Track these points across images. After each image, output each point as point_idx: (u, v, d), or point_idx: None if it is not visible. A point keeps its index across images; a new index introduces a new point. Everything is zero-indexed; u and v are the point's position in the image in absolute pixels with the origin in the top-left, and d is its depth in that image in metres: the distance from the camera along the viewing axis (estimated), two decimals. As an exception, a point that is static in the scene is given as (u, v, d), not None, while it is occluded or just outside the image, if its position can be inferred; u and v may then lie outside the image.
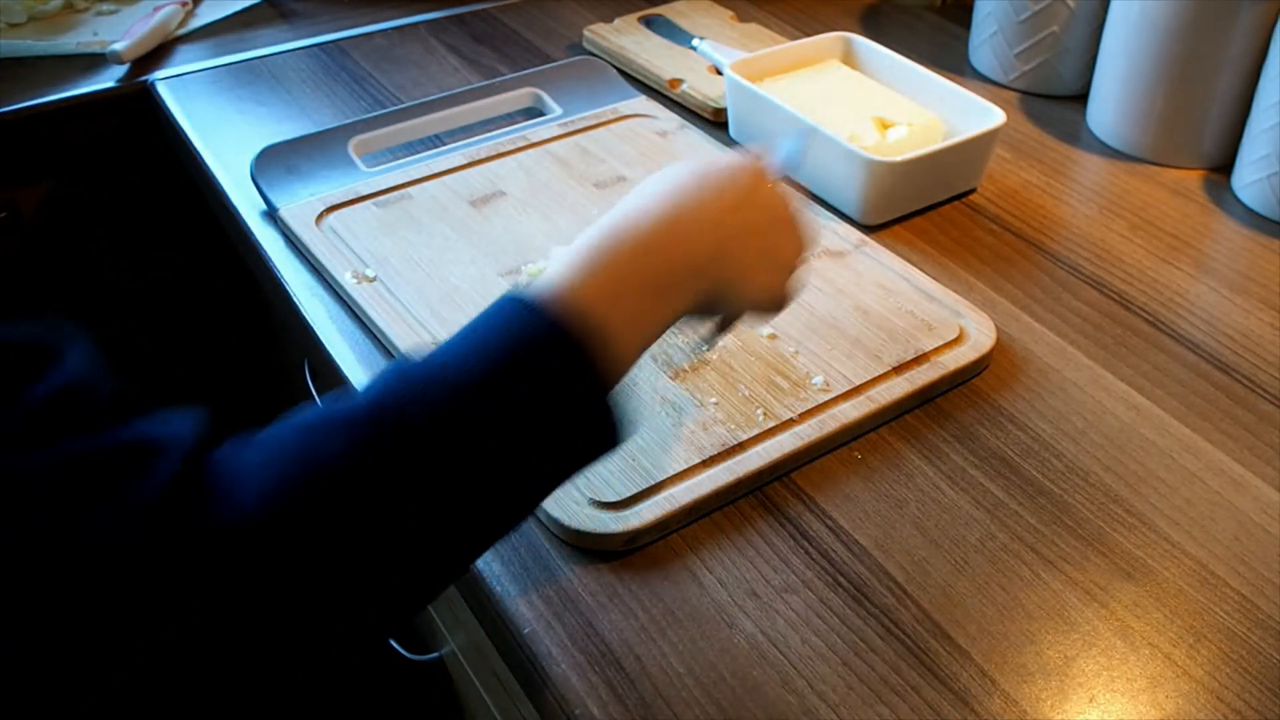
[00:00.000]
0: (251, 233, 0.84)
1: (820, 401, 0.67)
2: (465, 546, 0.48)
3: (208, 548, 0.40)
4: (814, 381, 0.68)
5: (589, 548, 0.59)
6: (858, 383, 0.68)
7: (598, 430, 0.49)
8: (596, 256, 0.51)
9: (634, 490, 0.61)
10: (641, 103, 0.97)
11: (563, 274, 0.50)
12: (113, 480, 0.40)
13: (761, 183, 0.57)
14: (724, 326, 0.61)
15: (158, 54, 1.07)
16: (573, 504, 0.60)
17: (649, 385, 0.68)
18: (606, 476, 0.61)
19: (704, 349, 0.61)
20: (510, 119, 0.97)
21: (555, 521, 0.59)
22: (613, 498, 0.60)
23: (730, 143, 0.94)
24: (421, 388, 0.46)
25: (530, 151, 0.90)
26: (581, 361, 0.48)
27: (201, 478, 0.41)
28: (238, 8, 1.15)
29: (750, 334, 0.72)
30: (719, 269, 0.54)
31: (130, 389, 0.44)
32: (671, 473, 0.62)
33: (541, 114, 0.97)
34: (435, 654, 0.89)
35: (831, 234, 0.81)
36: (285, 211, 0.83)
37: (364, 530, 0.43)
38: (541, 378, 0.47)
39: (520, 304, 0.48)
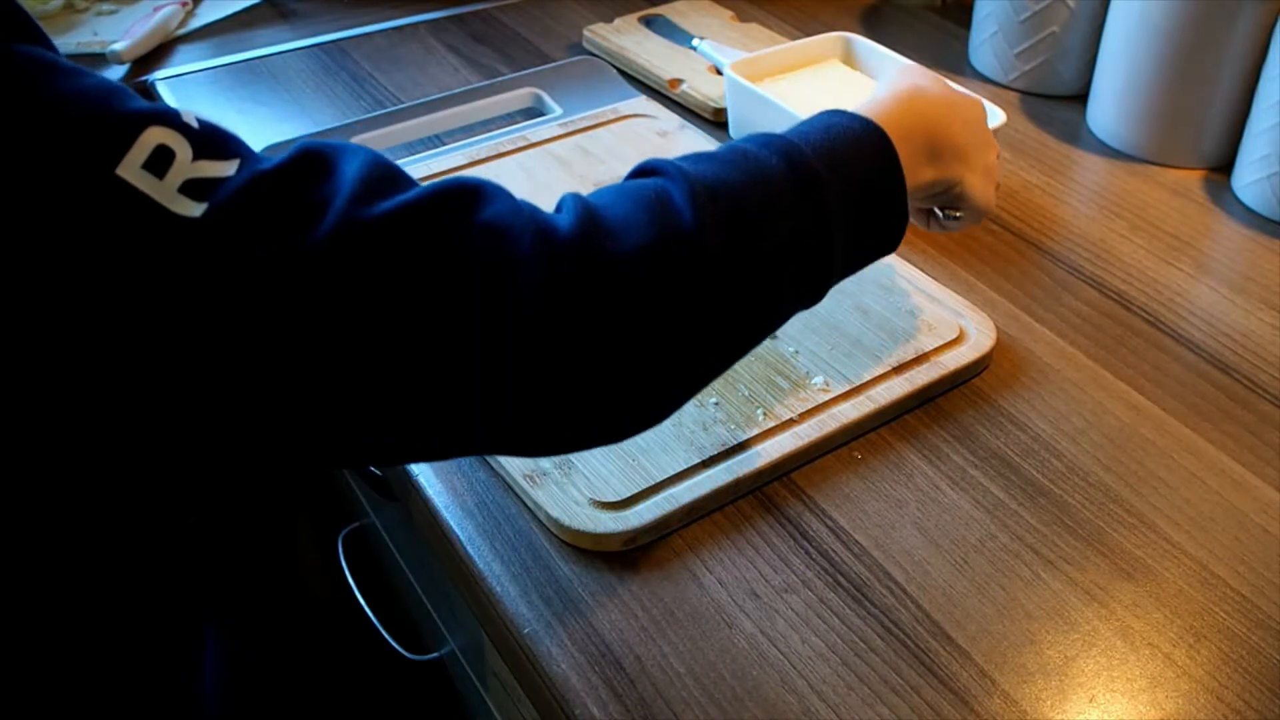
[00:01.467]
0: (251, 233, 0.84)
1: (820, 401, 0.67)
2: (773, 318, 0.52)
3: (604, 281, 0.45)
4: (814, 381, 0.68)
5: (589, 548, 0.59)
6: (858, 383, 0.68)
7: (897, 225, 0.57)
8: (893, 105, 0.59)
9: (634, 490, 0.61)
10: (641, 103, 0.97)
11: (870, 109, 0.58)
12: (532, 220, 0.45)
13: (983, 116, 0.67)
14: (946, 213, 0.68)
15: (158, 54, 1.07)
16: (572, 504, 0.60)
17: (649, 385, 0.68)
18: (606, 476, 0.61)
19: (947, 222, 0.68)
20: (510, 119, 0.97)
21: (555, 521, 0.59)
22: (612, 498, 0.60)
23: (730, 143, 0.94)
24: (741, 159, 0.51)
25: (530, 151, 0.90)
26: (896, 160, 0.55)
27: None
28: (238, 8, 1.15)
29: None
30: (967, 157, 0.63)
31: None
32: (671, 473, 0.62)
33: (541, 114, 0.97)
34: (435, 654, 0.89)
35: (831, 234, 0.81)
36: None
37: (714, 286, 0.47)
38: (872, 159, 0.54)
39: (842, 113, 0.57)
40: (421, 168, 0.88)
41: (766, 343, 0.71)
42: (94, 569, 0.57)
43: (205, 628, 0.69)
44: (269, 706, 0.87)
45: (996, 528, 0.61)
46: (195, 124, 0.42)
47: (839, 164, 0.53)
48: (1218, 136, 0.91)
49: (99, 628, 0.59)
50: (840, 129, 0.55)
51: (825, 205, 0.51)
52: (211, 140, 0.42)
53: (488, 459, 0.64)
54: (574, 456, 0.62)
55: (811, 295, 0.54)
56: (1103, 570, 0.59)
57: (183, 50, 1.08)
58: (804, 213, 0.51)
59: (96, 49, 1.06)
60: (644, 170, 0.51)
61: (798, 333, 0.72)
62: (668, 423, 0.65)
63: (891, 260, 0.78)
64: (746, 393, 0.67)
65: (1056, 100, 1.02)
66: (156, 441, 0.42)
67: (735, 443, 0.64)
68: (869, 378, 0.68)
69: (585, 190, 0.85)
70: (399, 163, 0.87)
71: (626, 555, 0.59)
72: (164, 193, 0.39)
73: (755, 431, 0.65)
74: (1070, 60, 1.01)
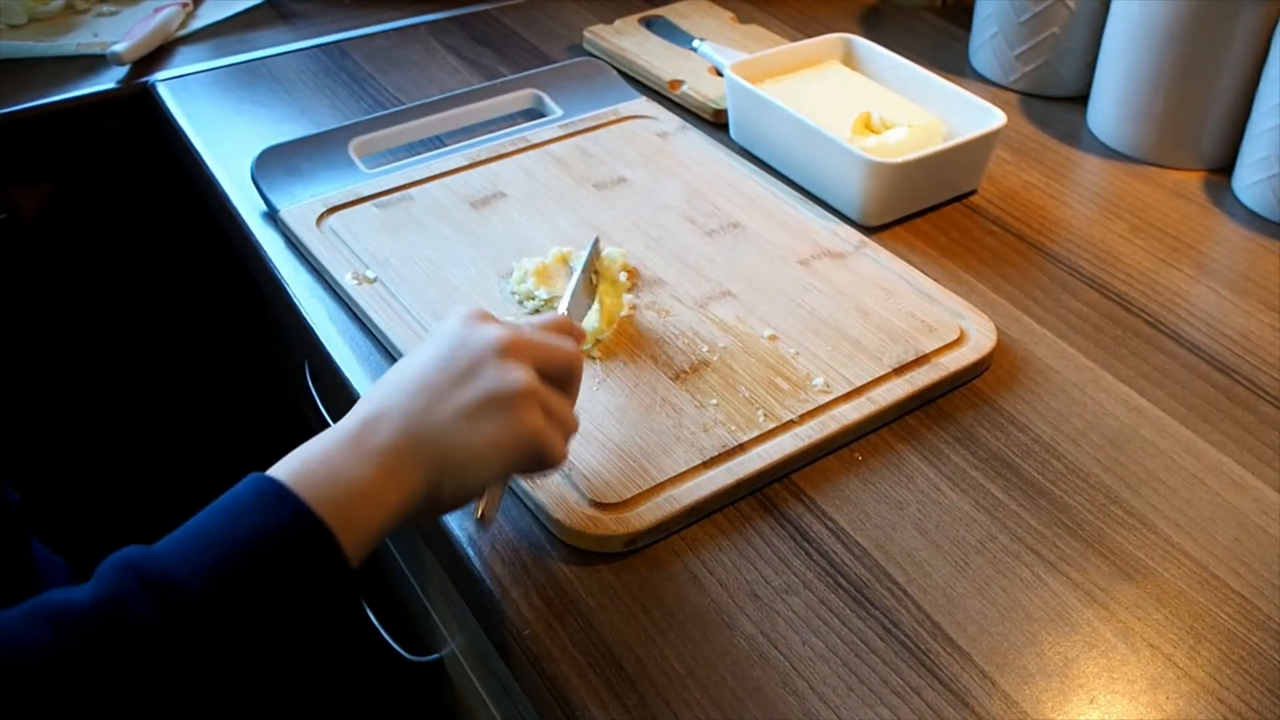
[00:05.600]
0: (252, 234, 0.84)
1: (821, 403, 0.67)
2: None
3: None
4: (814, 383, 0.68)
5: (589, 549, 0.59)
6: (858, 384, 0.68)
7: (334, 607, 0.50)
8: (325, 450, 0.52)
9: (634, 491, 0.61)
10: (642, 104, 0.97)
11: (299, 465, 0.51)
12: None
13: (497, 352, 0.55)
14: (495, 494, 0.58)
15: (158, 55, 1.07)
16: (573, 505, 0.60)
17: (649, 387, 0.68)
18: (607, 478, 0.61)
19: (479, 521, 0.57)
20: (511, 120, 0.97)
21: (556, 522, 0.59)
22: (613, 499, 0.60)
23: (731, 144, 0.94)
24: (156, 587, 0.45)
25: (531, 153, 0.90)
26: (329, 548, 0.48)
27: None
28: (238, 9, 1.15)
29: (751, 335, 0.72)
30: (434, 449, 0.52)
31: None
32: (672, 474, 0.62)
33: (542, 115, 0.97)
34: (435, 655, 0.89)
35: (832, 235, 0.81)
36: (286, 212, 0.83)
37: None
38: (291, 570, 0.48)
39: (262, 495, 0.49)
40: (422, 169, 0.88)
41: (766, 344, 0.71)
42: None
43: None
44: (268, 707, 0.87)
45: (997, 529, 0.61)
46: None
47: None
48: (1218, 138, 0.91)
49: None
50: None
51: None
52: None
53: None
54: (574, 457, 0.62)
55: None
56: (1103, 571, 0.59)
57: (183, 51, 1.08)
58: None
59: (97, 50, 1.06)
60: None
61: (798, 334, 0.72)
62: (668, 423, 0.65)
63: (892, 261, 0.79)
64: (747, 394, 0.67)
65: (1057, 101, 1.02)
66: None
67: (735, 444, 0.64)
68: (869, 379, 0.68)
69: (585, 191, 0.85)
70: (401, 165, 0.88)
71: (627, 556, 0.59)
72: None
73: (756, 433, 0.64)
74: (1071, 62, 1.01)
